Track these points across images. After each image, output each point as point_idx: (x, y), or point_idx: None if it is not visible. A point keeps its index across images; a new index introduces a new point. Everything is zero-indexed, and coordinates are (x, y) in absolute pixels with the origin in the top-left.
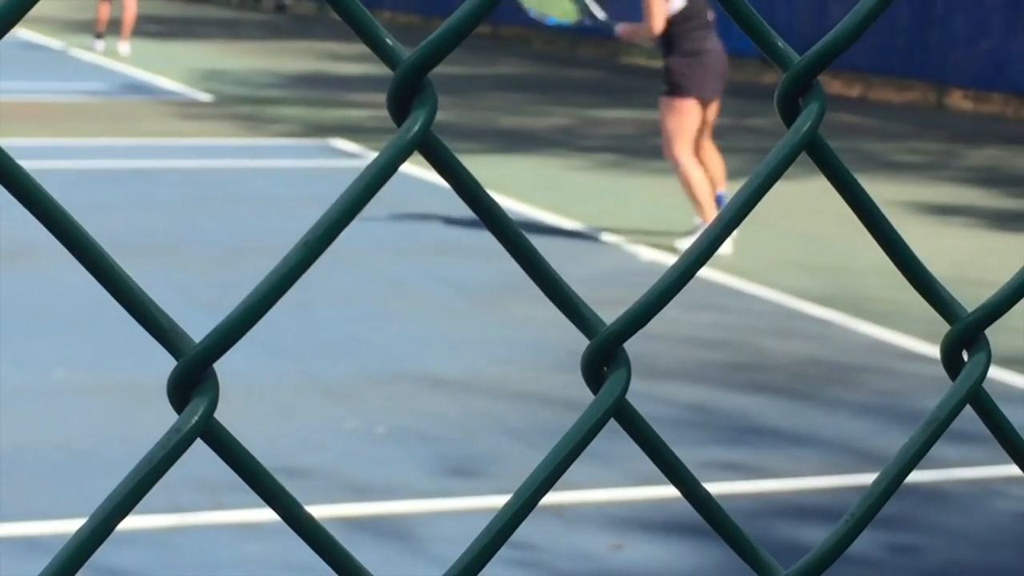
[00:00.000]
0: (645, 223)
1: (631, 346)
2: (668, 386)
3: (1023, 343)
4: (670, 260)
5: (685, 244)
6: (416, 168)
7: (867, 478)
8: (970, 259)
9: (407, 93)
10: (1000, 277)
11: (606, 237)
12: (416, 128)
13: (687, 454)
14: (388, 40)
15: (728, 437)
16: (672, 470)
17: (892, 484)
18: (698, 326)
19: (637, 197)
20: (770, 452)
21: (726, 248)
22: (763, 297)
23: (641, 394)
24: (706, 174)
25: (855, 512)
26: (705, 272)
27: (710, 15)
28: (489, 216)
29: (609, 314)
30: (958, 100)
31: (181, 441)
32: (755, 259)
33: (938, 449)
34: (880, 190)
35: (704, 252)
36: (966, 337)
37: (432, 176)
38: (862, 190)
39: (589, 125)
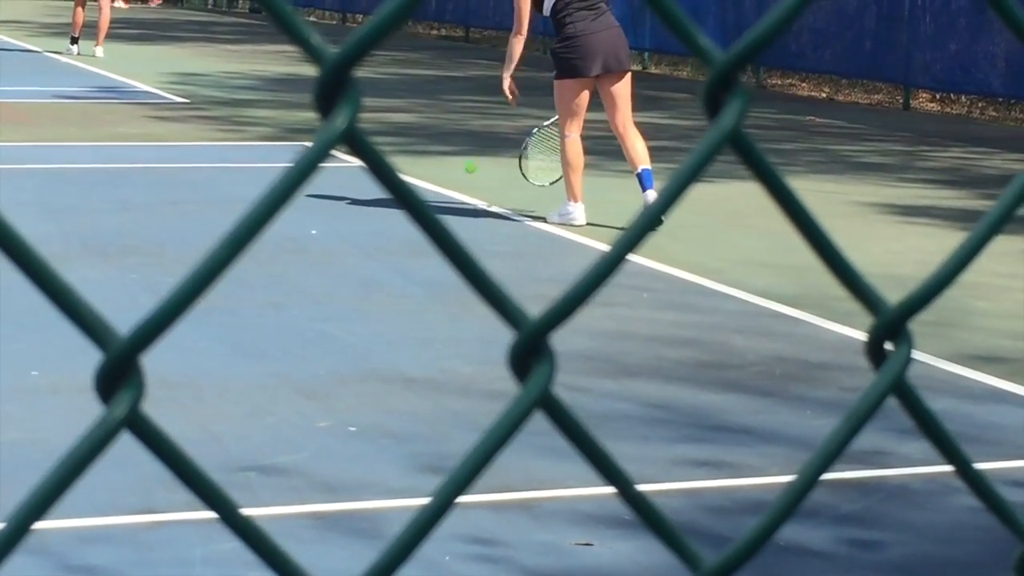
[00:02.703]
0: (615, 223)
1: (603, 344)
2: (638, 384)
3: (987, 341)
4: (640, 261)
5: (554, 216)
6: None
7: (833, 475)
8: (934, 258)
9: (333, 89)
10: (963, 276)
11: (576, 237)
12: (341, 122)
13: (656, 451)
14: (313, 38)
15: (697, 434)
16: (599, 462)
17: (814, 475)
18: (668, 325)
19: (607, 197)
20: (738, 449)
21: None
22: (732, 296)
23: (611, 392)
24: (628, 153)
25: (778, 503)
26: (674, 271)
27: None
28: (413, 208)
29: (578, 313)
30: (925, 102)
31: (106, 433)
32: (724, 259)
33: (902, 446)
34: (847, 190)
35: (628, 246)
36: (889, 330)
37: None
38: (785, 184)
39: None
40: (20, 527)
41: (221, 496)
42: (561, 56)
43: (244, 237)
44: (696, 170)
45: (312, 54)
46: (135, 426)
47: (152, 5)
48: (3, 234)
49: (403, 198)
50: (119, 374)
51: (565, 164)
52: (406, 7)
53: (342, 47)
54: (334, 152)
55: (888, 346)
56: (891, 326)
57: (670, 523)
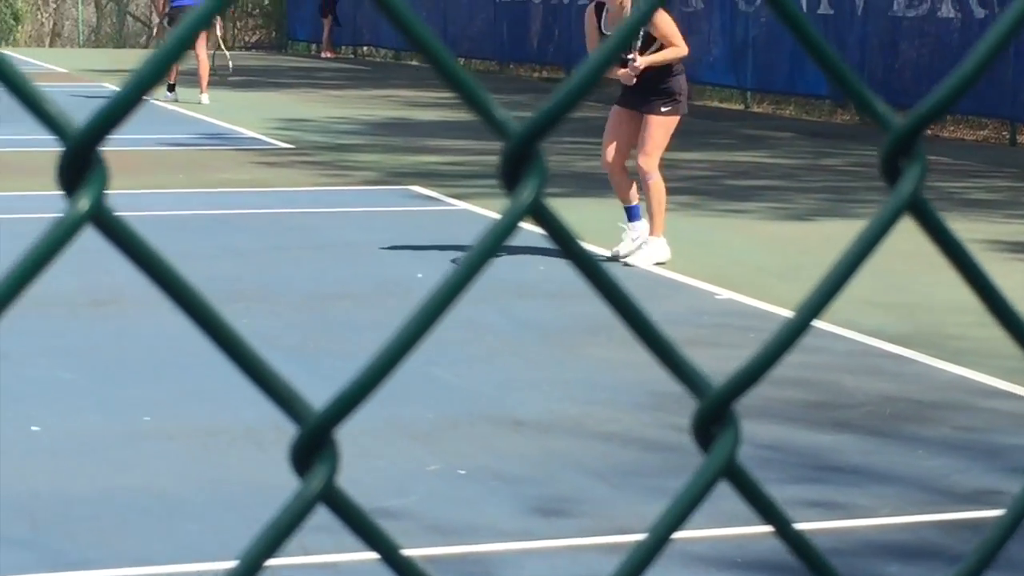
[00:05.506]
0: (721, 263)
1: None
2: (748, 424)
3: None
4: (746, 300)
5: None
6: (493, 214)
7: (946, 515)
8: None
9: (519, 162)
10: None
11: (682, 278)
12: (528, 195)
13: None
14: (498, 112)
15: (808, 475)
16: (782, 528)
17: (1008, 531)
18: (778, 365)
19: (712, 238)
20: (850, 490)
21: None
22: (841, 335)
23: None
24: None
25: (972, 556)
26: (781, 311)
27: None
28: (596, 278)
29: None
30: None
31: (304, 507)
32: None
33: (1014, 485)
34: (954, 227)
35: (811, 314)
36: None
37: None
38: (964, 248)
39: (663, 167)
40: None
41: (410, 562)
42: (682, 91)
43: (436, 310)
44: (879, 236)
45: (497, 128)
46: (329, 499)
47: (325, 56)
48: (201, 310)
49: (586, 268)
50: (314, 447)
51: (659, 201)
52: (591, 79)
53: (528, 120)
54: (438, 196)
55: None
56: None
57: None
